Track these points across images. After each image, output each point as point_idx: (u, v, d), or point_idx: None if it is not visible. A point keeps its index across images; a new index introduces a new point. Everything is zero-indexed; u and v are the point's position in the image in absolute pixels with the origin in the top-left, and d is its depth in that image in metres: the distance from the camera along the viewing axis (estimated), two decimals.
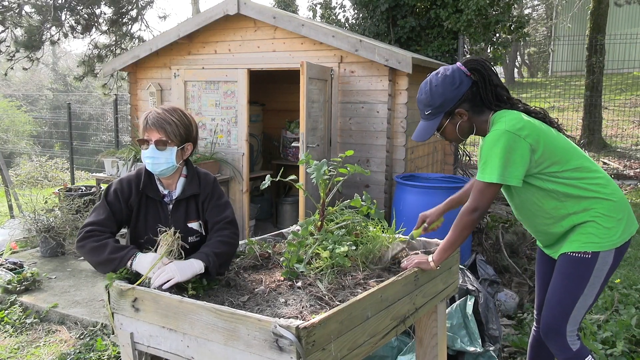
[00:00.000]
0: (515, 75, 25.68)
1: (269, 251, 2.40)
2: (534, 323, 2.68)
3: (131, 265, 2.01)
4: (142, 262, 1.99)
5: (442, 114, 2.21)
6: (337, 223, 2.38)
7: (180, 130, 2.20)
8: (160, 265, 1.97)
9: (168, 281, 1.91)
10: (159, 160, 2.17)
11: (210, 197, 2.28)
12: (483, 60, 2.22)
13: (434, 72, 2.26)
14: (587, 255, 2.20)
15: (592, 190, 2.20)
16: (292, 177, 2.42)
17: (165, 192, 2.28)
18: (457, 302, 3.21)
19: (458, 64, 2.23)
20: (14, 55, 9.10)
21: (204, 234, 2.30)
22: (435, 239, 2.53)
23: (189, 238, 2.24)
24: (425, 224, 2.52)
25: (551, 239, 2.37)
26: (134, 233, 2.26)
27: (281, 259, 2.22)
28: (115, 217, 2.18)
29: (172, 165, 2.20)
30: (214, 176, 2.37)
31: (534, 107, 2.31)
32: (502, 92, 2.24)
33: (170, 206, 2.26)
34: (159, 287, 1.91)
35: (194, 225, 2.27)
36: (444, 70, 2.22)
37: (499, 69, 22.70)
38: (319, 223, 2.35)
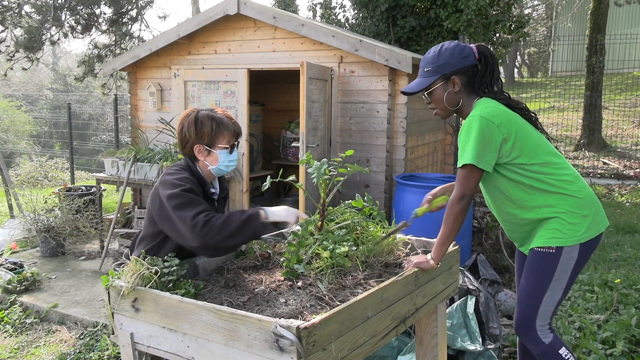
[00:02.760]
0: (515, 75, 25.68)
1: (269, 251, 2.39)
2: None
3: (267, 213, 2.19)
4: (277, 210, 2.23)
5: (440, 75, 2.27)
6: (337, 223, 2.38)
7: None
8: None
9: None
10: (236, 161, 2.44)
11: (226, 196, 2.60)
12: (491, 51, 2.32)
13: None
14: (551, 250, 2.25)
15: (558, 186, 2.25)
16: (292, 177, 2.42)
17: (213, 189, 2.45)
18: (458, 301, 3.21)
19: (472, 45, 2.33)
20: (13, 55, 9.10)
21: None
22: (436, 239, 2.52)
23: None
24: (429, 199, 2.50)
25: (518, 232, 2.40)
26: None
27: (281, 259, 2.22)
28: None
29: None
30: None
31: (517, 102, 2.35)
32: (497, 84, 2.32)
33: (216, 203, 2.46)
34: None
35: None
36: (458, 42, 2.32)
37: (499, 69, 22.72)
38: (319, 223, 2.34)
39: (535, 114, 2.41)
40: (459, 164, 2.19)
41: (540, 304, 2.30)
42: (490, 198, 2.42)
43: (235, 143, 2.40)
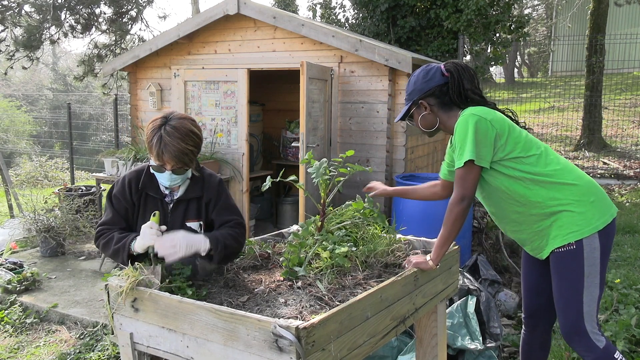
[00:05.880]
0: (515, 75, 25.68)
1: (269, 251, 2.39)
2: (523, 326, 2.66)
3: (132, 246, 2.09)
4: (139, 240, 2.07)
5: (411, 102, 2.40)
6: (337, 223, 2.38)
7: (196, 153, 2.21)
8: (158, 232, 2.03)
9: (174, 254, 2.01)
10: (175, 181, 2.21)
11: (216, 200, 2.29)
12: (461, 64, 2.34)
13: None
14: (572, 247, 2.20)
15: (557, 176, 2.22)
16: (293, 177, 2.42)
17: (167, 192, 2.30)
18: (458, 301, 3.21)
19: (441, 64, 2.38)
20: (13, 55, 9.10)
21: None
22: (436, 240, 2.52)
23: None
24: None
25: (527, 232, 2.33)
26: (138, 229, 2.26)
27: (281, 259, 2.22)
28: (121, 214, 2.27)
29: (186, 178, 2.28)
30: (219, 178, 2.37)
31: (504, 108, 2.42)
32: (474, 95, 2.32)
33: (171, 205, 2.29)
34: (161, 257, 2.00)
35: (192, 224, 2.28)
36: (428, 65, 2.40)
37: (499, 69, 22.71)
38: (319, 223, 2.34)
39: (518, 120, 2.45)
40: (458, 164, 2.17)
41: (582, 305, 2.22)
42: (491, 201, 2.37)
43: (163, 166, 2.15)
